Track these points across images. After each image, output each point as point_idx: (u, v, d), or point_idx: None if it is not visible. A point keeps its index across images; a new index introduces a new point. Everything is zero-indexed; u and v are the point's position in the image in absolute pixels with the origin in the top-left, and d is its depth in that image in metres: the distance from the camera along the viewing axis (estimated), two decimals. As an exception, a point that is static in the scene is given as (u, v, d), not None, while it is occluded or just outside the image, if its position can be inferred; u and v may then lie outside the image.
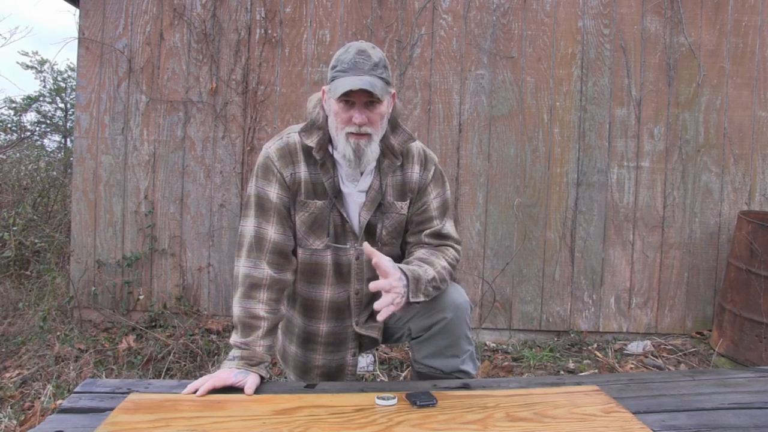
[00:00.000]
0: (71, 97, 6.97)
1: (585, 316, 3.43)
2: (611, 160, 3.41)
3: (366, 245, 1.50)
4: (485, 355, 3.16)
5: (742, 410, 1.44)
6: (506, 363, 3.00)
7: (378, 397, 1.43)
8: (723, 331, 3.14)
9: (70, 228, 3.50)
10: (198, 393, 1.46)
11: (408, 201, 1.73)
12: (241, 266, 1.64)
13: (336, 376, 1.81)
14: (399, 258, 1.72)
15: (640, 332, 3.43)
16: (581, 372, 2.94)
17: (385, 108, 1.60)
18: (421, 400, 1.42)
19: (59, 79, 7.39)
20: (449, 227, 1.76)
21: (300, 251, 1.71)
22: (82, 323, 3.34)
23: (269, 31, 3.39)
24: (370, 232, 1.71)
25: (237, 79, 3.40)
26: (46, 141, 7.40)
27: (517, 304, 3.43)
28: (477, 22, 3.38)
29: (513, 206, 3.42)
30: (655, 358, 3.11)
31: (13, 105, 7.17)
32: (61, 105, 7.36)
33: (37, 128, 7.38)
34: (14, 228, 3.87)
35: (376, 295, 1.72)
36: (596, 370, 2.96)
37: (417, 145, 1.76)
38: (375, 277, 1.51)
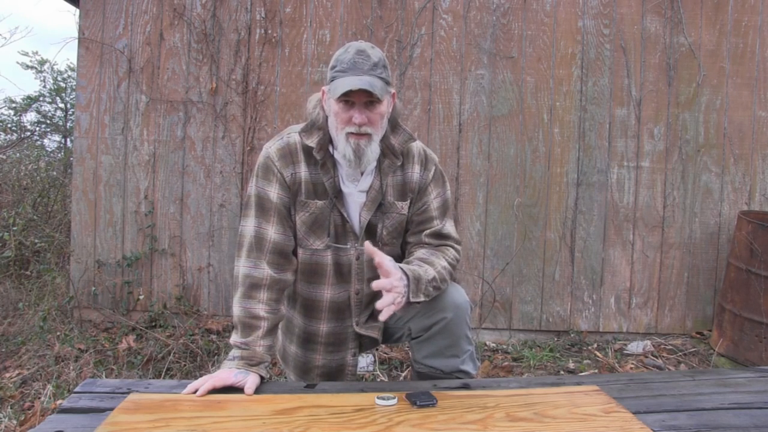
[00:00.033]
0: (71, 97, 6.97)
1: (585, 316, 3.43)
2: (611, 160, 3.41)
3: (367, 244, 1.50)
4: (485, 355, 3.16)
5: (742, 410, 1.44)
6: (506, 363, 3.00)
7: (378, 397, 1.43)
8: (723, 331, 3.14)
9: (70, 228, 3.50)
10: (198, 393, 1.46)
11: (408, 201, 1.73)
12: (241, 266, 1.64)
13: (336, 376, 1.81)
14: (399, 258, 1.72)
15: (640, 332, 3.43)
16: (581, 372, 2.94)
17: (384, 108, 1.60)
18: (421, 400, 1.42)
19: (59, 79, 7.40)
20: (449, 227, 1.76)
21: (300, 251, 1.71)
22: (82, 323, 3.34)
23: (269, 31, 3.39)
24: (370, 232, 1.71)
25: (237, 79, 3.40)
26: (46, 141, 7.41)
27: (517, 304, 3.43)
28: (477, 22, 3.38)
29: (513, 206, 3.42)
30: (655, 358, 3.11)
31: (13, 105, 7.18)
32: (61, 105, 7.36)
33: (37, 128, 7.38)
34: (14, 228, 3.87)
35: (377, 295, 1.72)
36: (596, 370, 2.96)
37: (417, 145, 1.76)
38: (375, 277, 1.51)
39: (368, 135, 1.57)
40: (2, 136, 6.83)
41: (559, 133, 3.40)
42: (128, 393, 1.48)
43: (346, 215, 1.68)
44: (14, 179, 5.20)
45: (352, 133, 1.56)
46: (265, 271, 1.62)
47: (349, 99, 1.54)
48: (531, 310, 3.43)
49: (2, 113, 7.15)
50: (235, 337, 1.60)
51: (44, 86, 7.33)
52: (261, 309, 1.60)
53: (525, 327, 3.44)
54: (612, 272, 3.43)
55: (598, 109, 3.40)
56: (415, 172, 1.73)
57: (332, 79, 1.57)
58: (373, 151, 1.59)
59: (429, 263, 1.61)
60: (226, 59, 3.40)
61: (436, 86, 3.40)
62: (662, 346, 3.28)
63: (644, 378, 1.72)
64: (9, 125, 7.01)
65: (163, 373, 2.78)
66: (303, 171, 1.65)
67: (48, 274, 3.74)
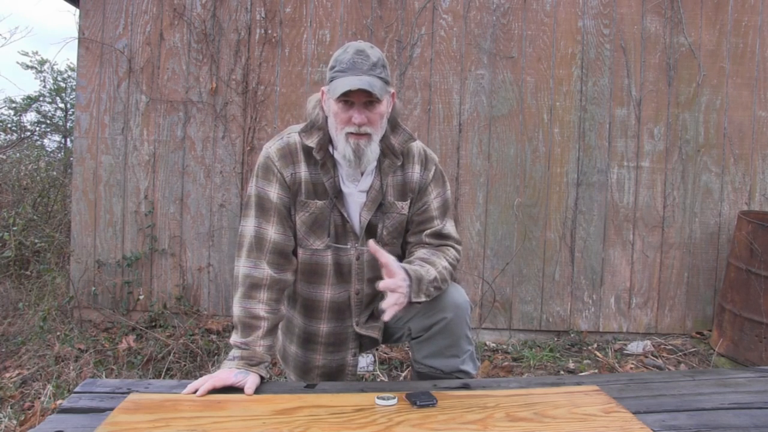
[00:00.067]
0: (71, 97, 6.97)
1: (585, 316, 3.43)
2: (611, 160, 3.41)
3: (371, 243, 1.50)
4: (485, 355, 3.16)
5: (742, 410, 1.44)
6: (506, 363, 3.00)
7: (378, 397, 1.43)
8: (723, 331, 3.14)
9: (70, 228, 3.50)
10: (198, 393, 1.46)
11: (408, 201, 1.73)
12: (242, 266, 1.64)
13: (336, 376, 1.81)
14: (400, 258, 1.72)
15: (640, 332, 3.43)
16: (581, 372, 2.94)
17: (384, 108, 1.60)
18: (421, 400, 1.42)
19: (59, 79, 7.40)
20: (450, 227, 1.76)
21: (300, 251, 1.71)
22: (82, 323, 3.34)
23: (269, 31, 3.39)
24: (370, 232, 1.71)
25: (237, 79, 3.40)
26: (46, 141, 7.41)
27: (517, 304, 3.43)
28: (477, 22, 3.38)
29: (513, 206, 3.42)
30: (655, 358, 3.11)
31: (13, 105, 7.18)
32: (61, 105, 7.36)
33: (37, 128, 7.38)
34: (14, 228, 3.87)
35: (377, 296, 1.72)
36: (596, 370, 2.96)
37: (417, 145, 1.76)
38: (376, 277, 1.51)
39: (368, 135, 1.57)
40: (2, 136, 6.84)
41: (559, 133, 3.40)
42: (128, 393, 1.49)
43: (346, 215, 1.68)
44: (14, 179, 5.20)
45: (351, 133, 1.56)
46: (265, 271, 1.62)
47: (348, 99, 1.54)
48: (531, 310, 3.43)
49: (2, 113, 7.17)
50: (235, 337, 1.60)
51: (44, 86, 7.34)
52: (261, 309, 1.60)
53: (525, 327, 3.44)
54: (612, 272, 3.43)
55: (598, 109, 3.40)
56: (415, 172, 1.73)
57: (331, 80, 1.57)
58: (372, 151, 1.59)
59: (430, 263, 1.61)
60: (226, 59, 3.40)
61: (436, 86, 3.40)
62: (662, 346, 3.28)
63: (644, 378, 1.72)
64: (9, 125, 7.02)
65: (163, 373, 2.78)
66: (303, 171, 1.65)
67: (48, 274, 3.74)
